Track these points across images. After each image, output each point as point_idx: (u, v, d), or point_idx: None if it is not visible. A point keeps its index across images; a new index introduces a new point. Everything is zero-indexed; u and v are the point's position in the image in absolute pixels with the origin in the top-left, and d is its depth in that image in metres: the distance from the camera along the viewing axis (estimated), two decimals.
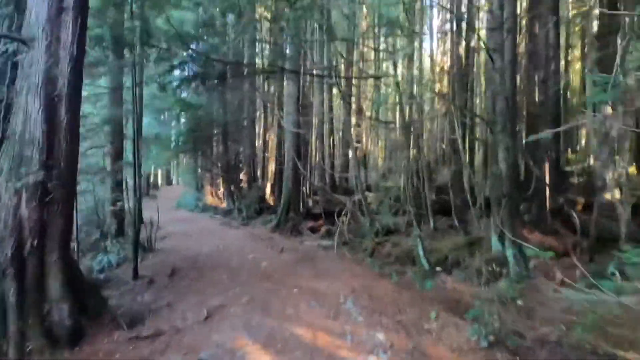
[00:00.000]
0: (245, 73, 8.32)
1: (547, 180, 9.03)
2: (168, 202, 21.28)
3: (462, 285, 6.02)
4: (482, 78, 12.69)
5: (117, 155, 10.02)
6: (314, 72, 10.70)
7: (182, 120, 16.28)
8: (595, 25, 9.05)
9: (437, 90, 14.02)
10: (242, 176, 19.53)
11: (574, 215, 7.84)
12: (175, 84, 8.10)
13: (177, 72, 8.93)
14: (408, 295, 4.88)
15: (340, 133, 18.84)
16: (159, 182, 35.07)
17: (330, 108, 16.54)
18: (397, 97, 11.34)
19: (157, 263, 7.00)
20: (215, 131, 18.13)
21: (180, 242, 9.36)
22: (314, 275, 6.04)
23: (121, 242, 8.63)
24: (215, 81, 6.39)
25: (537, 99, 9.57)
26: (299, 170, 12.82)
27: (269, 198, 18.66)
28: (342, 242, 10.01)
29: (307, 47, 10.84)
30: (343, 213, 10.62)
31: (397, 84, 6.59)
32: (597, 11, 8.79)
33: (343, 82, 12.06)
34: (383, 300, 4.69)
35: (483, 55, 14.52)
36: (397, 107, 20.33)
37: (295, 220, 12.18)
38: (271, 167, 18.44)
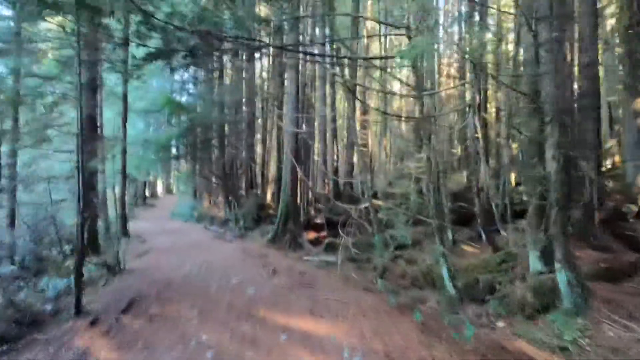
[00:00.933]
0: (221, 48, 6.98)
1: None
2: (164, 212, 20.06)
3: (505, 321, 4.60)
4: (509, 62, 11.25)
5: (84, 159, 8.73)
6: (314, 51, 9.37)
7: (174, 123, 14.99)
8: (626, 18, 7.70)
9: (453, 75, 12.63)
10: (240, 183, 18.26)
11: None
12: (132, 64, 6.73)
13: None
14: (443, 350, 3.46)
15: (345, 132, 17.48)
16: (159, 190, 33.99)
17: (333, 103, 15.18)
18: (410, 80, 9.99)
19: (119, 290, 5.67)
20: (211, 135, 16.90)
21: (160, 259, 8.04)
22: (310, 309, 4.66)
23: (93, 260, 7.33)
24: (184, 59, 5.15)
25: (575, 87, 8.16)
26: (299, 175, 11.48)
27: (269, 206, 17.35)
28: (347, 258, 8.63)
29: (306, 23, 9.56)
30: (348, 224, 9.23)
31: (413, 58, 5.21)
32: None
33: (347, 72, 10.69)
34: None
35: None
36: (401, 101, 18.98)
37: (295, 231, 10.81)
38: (272, 172, 17.15)
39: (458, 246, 9.09)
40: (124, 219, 11.68)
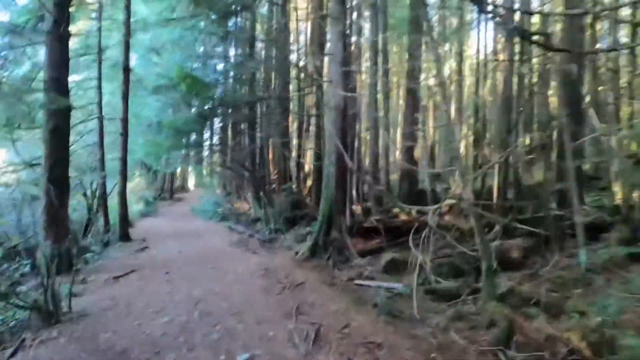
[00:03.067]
0: None
1: None
2: (189, 207, 17.83)
3: None
4: None
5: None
6: None
7: (196, 103, 12.49)
8: None
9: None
10: (272, 175, 15.59)
11: None
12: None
13: None
14: None
15: (400, 116, 14.18)
16: (191, 183, 32.38)
17: (386, 61, 11.89)
18: None
19: None
20: (239, 117, 14.32)
21: (140, 292, 5.30)
22: None
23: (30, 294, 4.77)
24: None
25: None
26: (346, 165, 8.50)
27: (305, 204, 14.54)
28: (426, 289, 5.59)
29: None
30: (424, 235, 6.12)
31: None
32: None
33: None
34: None
35: None
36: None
37: (341, 242, 7.87)
38: (308, 161, 14.30)
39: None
40: (124, 220, 9.27)
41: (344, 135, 8.61)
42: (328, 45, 10.03)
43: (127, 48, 9.20)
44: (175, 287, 5.26)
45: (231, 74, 13.44)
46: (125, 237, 9.17)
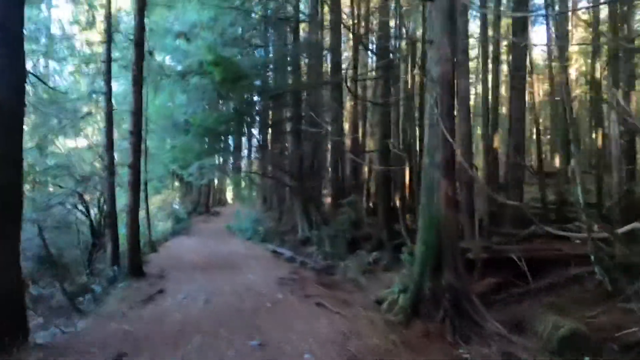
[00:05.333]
0: None
1: None
2: (224, 224, 15.38)
3: None
4: None
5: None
6: None
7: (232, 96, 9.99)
8: None
9: None
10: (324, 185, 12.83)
11: None
12: None
13: None
14: None
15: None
16: (229, 196, 30.35)
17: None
18: None
19: None
20: (283, 115, 11.76)
21: None
22: None
23: None
24: None
25: None
26: (455, 170, 5.43)
27: (367, 220, 11.63)
28: None
29: None
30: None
31: None
32: None
33: None
34: None
35: None
36: None
37: (459, 290, 4.79)
38: (372, 165, 11.33)
39: None
40: (133, 250, 6.73)
41: (452, 124, 5.60)
42: None
43: (140, 16, 6.82)
44: None
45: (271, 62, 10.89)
46: (136, 271, 6.65)
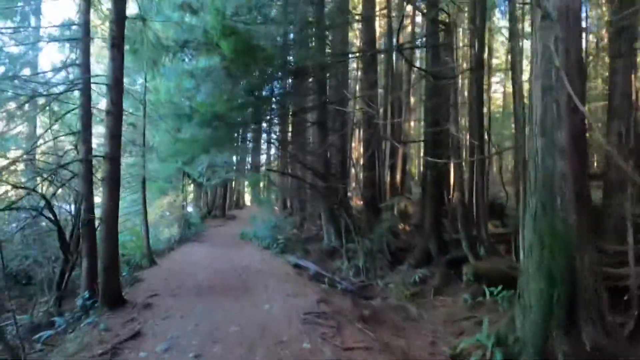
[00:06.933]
0: None
1: None
2: (240, 230, 13.65)
3: None
4: None
5: None
6: None
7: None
8: None
9: None
10: (352, 188, 10.94)
11: None
12: None
13: None
14: None
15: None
16: (247, 198, 28.80)
17: None
18: None
19: None
20: (304, 102, 9.96)
21: None
22: None
23: None
24: None
25: None
26: (586, 156, 3.42)
27: (405, 227, 9.71)
28: None
29: None
30: None
31: None
32: None
33: None
34: None
35: None
36: None
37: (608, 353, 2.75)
38: (415, 161, 9.36)
39: None
40: (110, 272, 4.98)
41: (583, 84, 3.62)
42: None
43: None
44: None
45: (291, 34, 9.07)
46: (111, 299, 4.92)
